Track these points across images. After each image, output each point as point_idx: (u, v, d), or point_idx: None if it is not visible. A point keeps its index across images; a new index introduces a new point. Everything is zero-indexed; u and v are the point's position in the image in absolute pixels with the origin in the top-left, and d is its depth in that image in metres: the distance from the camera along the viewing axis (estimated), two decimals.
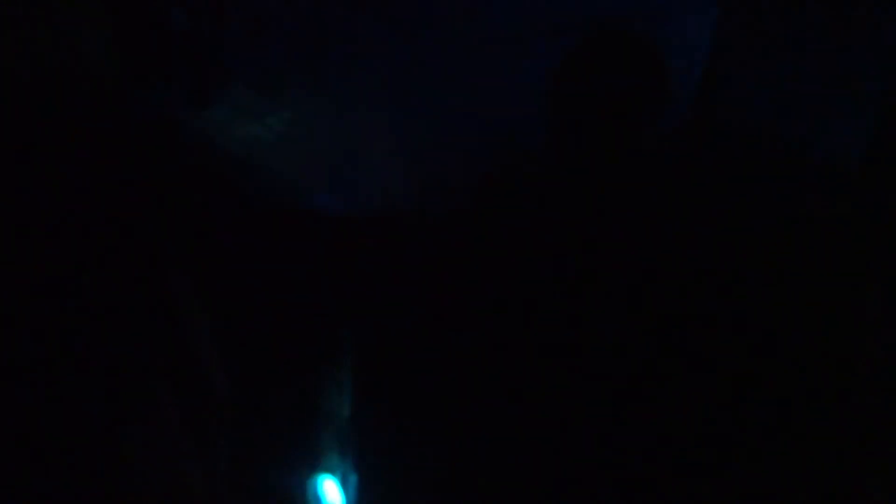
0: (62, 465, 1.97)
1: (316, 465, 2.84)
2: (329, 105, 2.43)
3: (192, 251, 2.38)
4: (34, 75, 1.99)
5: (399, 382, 2.90)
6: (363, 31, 2.27)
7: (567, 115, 2.42)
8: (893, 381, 2.21)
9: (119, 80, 2.09)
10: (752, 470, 2.27)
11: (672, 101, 2.43)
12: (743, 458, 2.29)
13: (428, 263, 3.00)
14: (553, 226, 2.45)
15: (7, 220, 2.06)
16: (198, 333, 2.29)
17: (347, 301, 2.98)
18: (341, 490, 2.83)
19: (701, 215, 2.47)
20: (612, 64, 2.37)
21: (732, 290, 2.41)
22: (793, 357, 2.33)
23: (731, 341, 2.36)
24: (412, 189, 2.84)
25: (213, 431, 2.34)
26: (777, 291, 2.38)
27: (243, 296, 2.67)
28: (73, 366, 1.95)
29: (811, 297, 2.32)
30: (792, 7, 2.34)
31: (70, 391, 1.94)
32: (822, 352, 2.33)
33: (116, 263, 2.06)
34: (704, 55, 2.45)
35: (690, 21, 2.39)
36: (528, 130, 2.50)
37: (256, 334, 2.74)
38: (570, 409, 2.40)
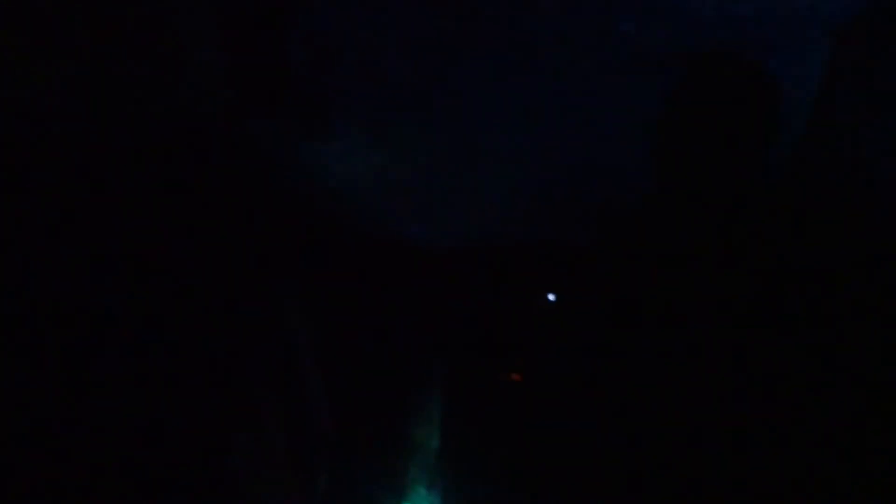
0: (172, 485, 2.04)
1: (404, 496, 2.85)
2: (429, 143, 2.48)
3: (301, 281, 2.45)
4: (152, 94, 2.09)
5: (488, 416, 2.89)
6: (467, 77, 2.31)
7: (677, 149, 2.38)
8: None
9: (232, 109, 2.19)
10: None
11: (783, 132, 2.37)
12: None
13: (518, 296, 3.01)
14: (662, 263, 2.41)
15: (125, 243, 2.17)
16: (307, 362, 2.35)
17: (438, 333, 3.01)
18: None
19: (811, 251, 2.39)
20: (725, 94, 2.32)
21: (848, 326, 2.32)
22: None
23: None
24: (507, 222, 2.86)
25: (314, 460, 2.39)
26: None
27: (342, 327, 2.72)
28: (189, 389, 2.03)
29: None
30: None
31: (185, 413, 2.01)
32: None
33: (234, 289, 2.14)
34: (815, 88, 2.39)
35: (802, 53, 2.33)
36: (633, 166, 2.47)
37: (353, 364, 2.78)
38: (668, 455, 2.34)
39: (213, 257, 2.15)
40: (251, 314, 2.25)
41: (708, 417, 2.26)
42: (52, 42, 1.97)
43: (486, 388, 2.90)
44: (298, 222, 2.53)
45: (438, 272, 2.95)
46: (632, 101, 2.37)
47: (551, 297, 2.81)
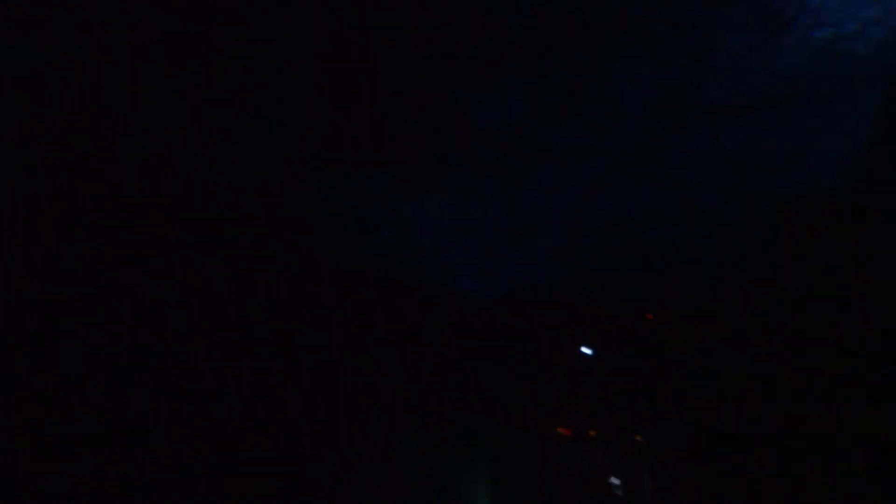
0: None
1: None
2: (506, 201, 2.50)
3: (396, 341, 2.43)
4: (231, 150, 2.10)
5: (537, 476, 2.81)
6: (552, 145, 2.35)
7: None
8: None
9: (314, 163, 2.20)
10: None
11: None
12: None
13: (563, 349, 2.96)
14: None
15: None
16: (401, 416, 2.31)
17: (487, 388, 2.95)
18: None
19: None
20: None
21: None
22: None
23: None
24: (556, 274, 2.85)
25: None
26: None
27: (411, 381, 2.68)
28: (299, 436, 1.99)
29: None
30: None
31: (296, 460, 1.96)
32: None
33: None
34: (868, 135, 2.42)
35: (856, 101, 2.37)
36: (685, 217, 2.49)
37: (415, 417, 2.73)
38: None
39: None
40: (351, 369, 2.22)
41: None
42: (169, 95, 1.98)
43: (536, 442, 2.83)
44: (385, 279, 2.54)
45: (491, 324, 2.92)
46: (694, 154, 2.40)
47: (587, 350, 2.78)
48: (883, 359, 2.27)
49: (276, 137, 2.25)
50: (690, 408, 2.52)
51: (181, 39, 2.05)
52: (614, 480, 2.63)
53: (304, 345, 2.36)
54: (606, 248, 2.77)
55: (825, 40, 2.12)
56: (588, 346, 2.99)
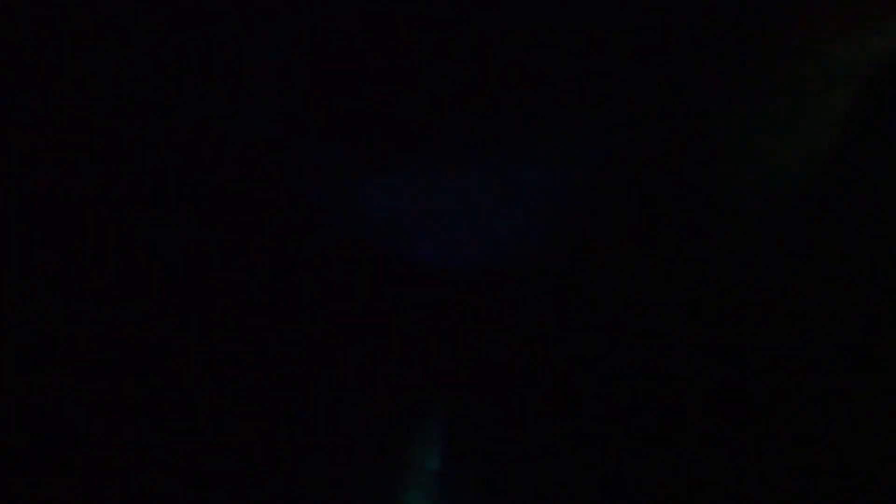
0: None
1: None
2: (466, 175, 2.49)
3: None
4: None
5: (492, 438, 2.88)
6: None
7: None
8: None
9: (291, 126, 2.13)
10: None
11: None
12: None
13: (526, 321, 3.01)
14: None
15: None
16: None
17: (443, 354, 2.98)
18: None
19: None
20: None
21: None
22: None
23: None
24: (517, 248, 2.87)
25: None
26: None
27: (345, 344, 2.68)
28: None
29: None
30: None
31: None
32: None
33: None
34: (832, 135, 2.46)
35: (820, 99, 2.41)
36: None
37: (354, 382, 2.74)
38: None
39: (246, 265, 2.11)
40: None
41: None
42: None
43: (492, 410, 2.89)
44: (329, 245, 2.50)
45: (447, 294, 2.93)
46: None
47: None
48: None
49: (243, 101, 2.20)
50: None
51: None
52: None
53: (261, 312, 2.35)
54: (576, 224, 2.79)
55: None
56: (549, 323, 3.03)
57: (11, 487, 2.19)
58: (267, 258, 2.29)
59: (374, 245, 2.84)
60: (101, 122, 2.18)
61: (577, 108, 2.30)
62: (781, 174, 2.60)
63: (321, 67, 2.34)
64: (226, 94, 2.24)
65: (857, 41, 2.29)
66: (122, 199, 2.18)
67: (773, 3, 2.14)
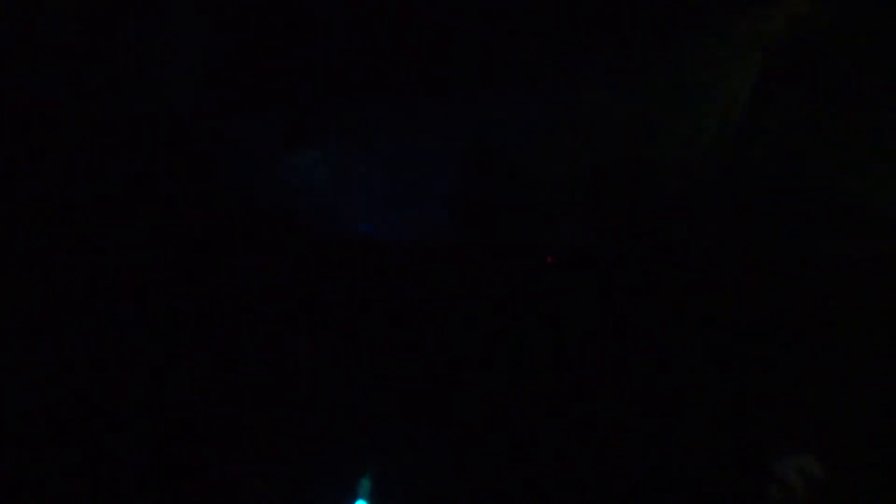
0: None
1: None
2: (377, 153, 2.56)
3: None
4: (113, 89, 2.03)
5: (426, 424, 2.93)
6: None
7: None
8: None
9: (216, 105, 2.13)
10: None
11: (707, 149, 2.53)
12: None
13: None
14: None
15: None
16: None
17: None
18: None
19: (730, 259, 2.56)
20: None
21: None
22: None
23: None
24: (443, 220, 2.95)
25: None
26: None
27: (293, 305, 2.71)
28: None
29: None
30: (838, 56, 2.40)
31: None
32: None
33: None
34: (745, 102, 2.54)
35: (738, 65, 2.47)
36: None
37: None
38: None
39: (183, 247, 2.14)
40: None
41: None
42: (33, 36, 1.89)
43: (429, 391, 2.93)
44: (261, 219, 2.53)
45: (390, 266, 2.98)
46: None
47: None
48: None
49: (169, 77, 2.20)
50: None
51: None
52: None
53: (194, 291, 2.34)
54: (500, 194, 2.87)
55: None
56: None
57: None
58: (193, 235, 2.31)
59: (299, 218, 2.86)
60: (20, 103, 2.16)
61: (452, 104, 2.36)
62: (695, 142, 2.68)
63: (243, 46, 2.35)
64: (147, 73, 2.25)
65: (759, 12, 2.37)
66: (39, 179, 2.16)
67: None
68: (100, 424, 2.20)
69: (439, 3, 2.30)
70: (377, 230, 2.94)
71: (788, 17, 2.37)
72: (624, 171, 2.69)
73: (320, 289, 2.92)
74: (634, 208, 2.69)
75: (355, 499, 2.76)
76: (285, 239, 2.76)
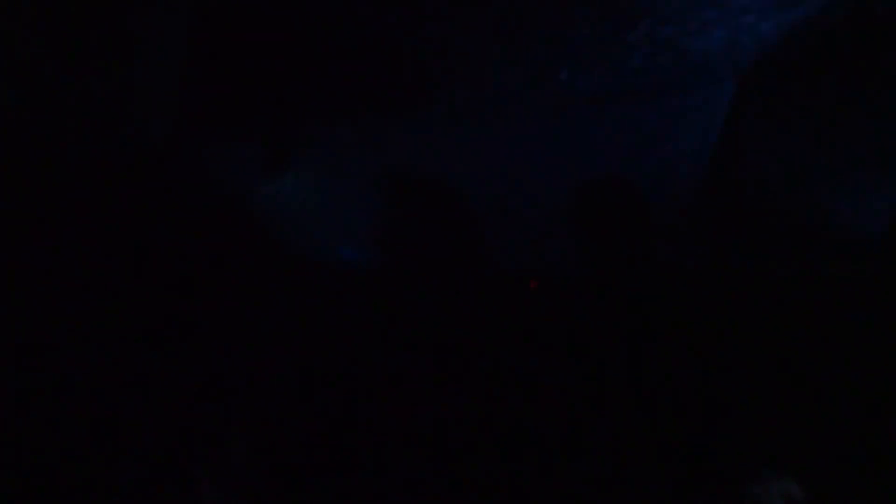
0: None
1: None
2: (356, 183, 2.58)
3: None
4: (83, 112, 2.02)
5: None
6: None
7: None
8: None
9: (198, 129, 2.13)
10: None
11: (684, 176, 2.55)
12: None
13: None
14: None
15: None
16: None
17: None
18: None
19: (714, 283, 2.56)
20: None
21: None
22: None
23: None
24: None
25: None
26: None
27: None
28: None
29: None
30: (811, 80, 2.44)
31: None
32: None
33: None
34: (720, 128, 2.57)
35: (713, 91, 2.50)
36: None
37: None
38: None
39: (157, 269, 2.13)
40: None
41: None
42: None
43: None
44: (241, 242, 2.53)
45: (373, 293, 2.98)
46: (559, 141, 2.54)
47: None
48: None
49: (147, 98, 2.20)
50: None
51: None
52: None
53: (175, 315, 2.33)
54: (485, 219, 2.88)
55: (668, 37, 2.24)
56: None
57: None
58: (169, 259, 2.30)
59: (274, 243, 2.85)
60: None
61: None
62: (674, 167, 2.70)
63: (219, 70, 2.36)
64: (121, 95, 2.24)
65: (722, 37, 2.40)
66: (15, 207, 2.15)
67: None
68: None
69: (414, 32, 2.34)
70: (356, 255, 2.94)
71: (758, 43, 2.41)
72: (607, 194, 2.70)
73: (299, 311, 2.91)
74: (619, 231, 2.69)
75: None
76: (264, 264, 2.75)
